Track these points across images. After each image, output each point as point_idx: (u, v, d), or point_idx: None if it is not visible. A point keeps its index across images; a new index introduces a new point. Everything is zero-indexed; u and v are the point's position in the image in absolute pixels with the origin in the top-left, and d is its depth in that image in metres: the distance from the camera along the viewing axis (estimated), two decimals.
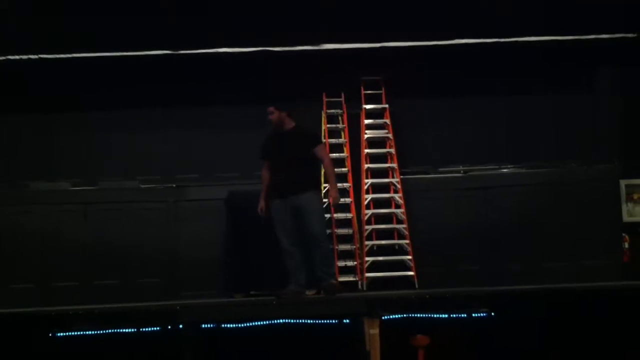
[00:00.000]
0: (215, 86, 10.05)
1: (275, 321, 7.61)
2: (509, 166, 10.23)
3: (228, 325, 7.64)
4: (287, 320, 7.63)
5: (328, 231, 8.76)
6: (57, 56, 9.72)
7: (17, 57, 9.69)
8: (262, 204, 7.87)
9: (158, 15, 9.50)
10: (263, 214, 7.87)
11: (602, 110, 10.23)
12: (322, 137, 8.80)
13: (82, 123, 10.15)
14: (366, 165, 9.90)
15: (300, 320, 7.69)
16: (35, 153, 10.04)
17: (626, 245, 9.59)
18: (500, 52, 9.94)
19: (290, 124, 7.92)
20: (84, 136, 10.13)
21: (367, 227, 9.58)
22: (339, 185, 9.65)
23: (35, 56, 9.72)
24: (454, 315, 7.60)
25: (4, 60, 9.70)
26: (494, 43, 9.88)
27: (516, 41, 9.89)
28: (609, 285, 8.24)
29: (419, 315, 7.61)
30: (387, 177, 9.89)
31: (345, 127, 10.10)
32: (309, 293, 8.06)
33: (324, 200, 8.19)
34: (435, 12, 9.66)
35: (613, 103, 10.22)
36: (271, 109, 7.89)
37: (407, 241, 9.52)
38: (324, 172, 8.25)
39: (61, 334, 7.43)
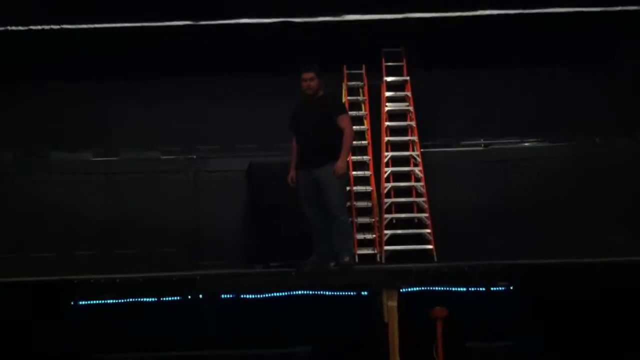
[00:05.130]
0: (235, 57, 10.03)
1: (294, 292, 7.66)
2: (530, 140, 10.14)
3: (247, 296, 7.70)
4: (305, 292, 7.67)
5: (347, 204, 8.75)
6: (77, 26, 9.73)
7: (38, 27, 9.71)
8: (292, 173, 7.83)
9: None
10: (292, 184, 7.84)
11: (626, 82, 10.07)
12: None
13: (103, 93, 10.19)
14: (386, 138, 9.85)
15: (319, 292, 7.73)
16: (56, 123, 10.10)
17: None
18: (522, 23, 9.81)
19: (319, 92, 7.87)
20: (105, 107, 10.17)
21: (386, 200, 9.56)
22: (359, 158, 9.69)
23: (57, 26, 9.73)
24: (473, 289, 7.61)
25: (25, 30, 9.72)
26: (517, 14, 9.74)
27: (539, 12, 9.75)
28: (632, 260, 8.17)
29: (437, 288, 7.62)
30: (407, 150, 9.85)
31: (365, 99, 10.05)
32: (332, 265, 8.06)
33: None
34: None
35: (637, 74, 10.05)
36: (311, 74, 7.72)
37: (427, 214, 9.49)
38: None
39: (83, 302, 7.54)
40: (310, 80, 7.74)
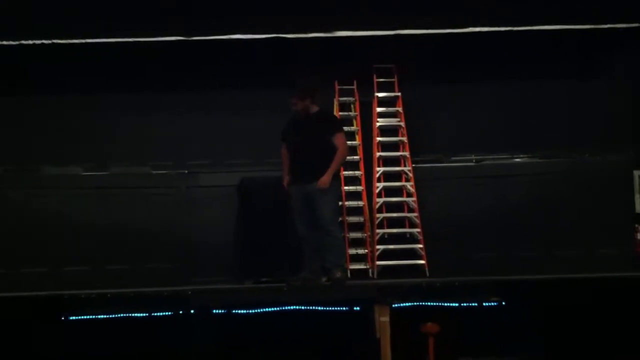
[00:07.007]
0: (228, 72, 10.03)
1: (286, 308, 7.64)
2: (521, 155, 10.19)
3: (239, 311, 7.68)
4: (297, 307, 7.66)
5: (339, 219, 8.75)
6: (71, 41, 9.71)
7: (30, 42, 9.69)
8: (286, 179, 7.87)
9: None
10: (287, 187, 7.85)
11: (616, 97, 10.12)
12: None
13: (94, 107, 10.11)
14: (378, 154, 9.88)
15: (311, 307, 7.72)
16: (46, 137, 10.03)
17: (638, 236, 9.55)
18: (513, 39, 9.87)
19: (314, 108, 7.88)
20: (96, 121, 10.11)
21: (378, 215, 9.57)
22: (351, 173, 9.72)
23: (48, 41, 9.72)
24: (465, 304, 7.62)
25: (17, 45, 9.71)
26: (508, 31, 9.81)
27: (530, 29, 9.82)
28: (620, 276, 8.22)
29: (429, 303, 7.63)
30: (398, 165, 9.88)
31: (357, 115, 10.07)
32: (323, 280, 8.05)
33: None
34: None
35: (628, 90, 10.12)
36: (293, 100, 7.76)
37: (419, 230, 9.51)
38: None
39: (73, 317, 7.49)
40: (293, 105, 7.80)
